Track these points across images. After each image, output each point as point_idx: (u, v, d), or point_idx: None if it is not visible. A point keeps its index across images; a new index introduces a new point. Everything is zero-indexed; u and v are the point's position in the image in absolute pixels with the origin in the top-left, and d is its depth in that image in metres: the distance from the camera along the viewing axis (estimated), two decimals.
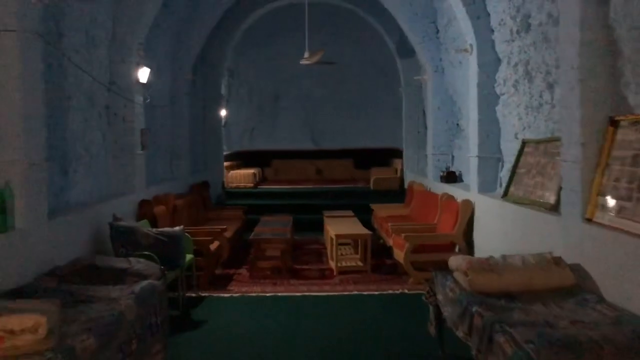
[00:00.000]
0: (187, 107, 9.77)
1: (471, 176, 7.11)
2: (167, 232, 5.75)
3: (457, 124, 9.23)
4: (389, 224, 7.61)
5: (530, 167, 5.48)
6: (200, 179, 10.19)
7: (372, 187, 12.37)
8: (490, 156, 6.79)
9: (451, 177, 8.70)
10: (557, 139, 4.83)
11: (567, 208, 4.32)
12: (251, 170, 13.37)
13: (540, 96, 5.46)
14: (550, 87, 5.22)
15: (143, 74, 7.11)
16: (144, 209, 6.77)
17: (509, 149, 6.48)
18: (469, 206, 6.88)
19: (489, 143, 6.80)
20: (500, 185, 6.75)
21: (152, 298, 3.99)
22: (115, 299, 3.68)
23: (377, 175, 12.80)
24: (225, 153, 14.59)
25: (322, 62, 9.68)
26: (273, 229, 8.01)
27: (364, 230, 7.69)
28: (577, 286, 4.01)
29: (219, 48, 11.67)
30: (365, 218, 9.74)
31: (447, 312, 4.10)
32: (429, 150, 9.72)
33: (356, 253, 8.18)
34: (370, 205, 10.19)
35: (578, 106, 4.10)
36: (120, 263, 4.51)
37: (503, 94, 6.59)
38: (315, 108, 16.18)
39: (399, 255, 7.06)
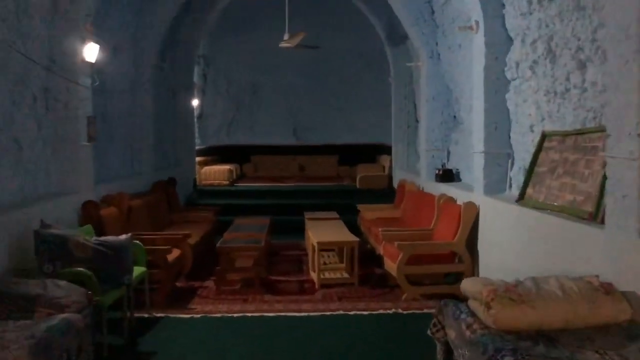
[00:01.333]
0: (152, 94, 8.64)
1: (475, 175, 6.13)
2: (110, 242, 4.67)
3: (454, 116, 8.24)
4: (379, 229, 6.60)
5: (554, 165, 4.50)
6: (167, 176, 9.08)
7: (358, 185, 11.36)
8: (498, 152, 5.81)
9: (448, 176, 7.71)
10: (597, 130, 3.85)
11: (615, 218, 3.33)
12: (227, 167, 12.29)
13: (567, 79, 4.47)
14: (582, 66, 4.24)
15: (91, 52, 6.00)
16: (89, 212, 5.67)
17: (522, 144, 5.51)
18: (472, 210, 5.89)
19: (497, 137, 5.82)
20: (510, 187, 5.78)
21: (65, 341, 2.93)
22: (4, 348, 2.61)
23: (363, 173, 11.80)
24: (199, 147, 13.56)
25: (304, 45, 8.63)
26: (246, 234, 6.96)
27: (351, 237, 6.67)
28: (634, 322, 3.03)
29: (191, 30, 10.54)
30: (351, 219, 8.78)
31: (464, 356, 3.09)
32: (422, 145, 8.72)
33: (341, 261, 7.16)
34: (357, 205, 9.18)
35: (635, 86, 3.11)
36: (33, 288, 3.44)
37: (515, 79, 5.61)
38: (297, 100, 15.21)
39: (391, 266, 6.06)
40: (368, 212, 8.58)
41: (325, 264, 7.16)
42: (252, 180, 13.36)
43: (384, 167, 12.71)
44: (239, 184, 12.38)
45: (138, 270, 5.17)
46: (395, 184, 11.06)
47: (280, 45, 8.47)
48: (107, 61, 7.05)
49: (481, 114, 5.86)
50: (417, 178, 8.92)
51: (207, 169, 12.10)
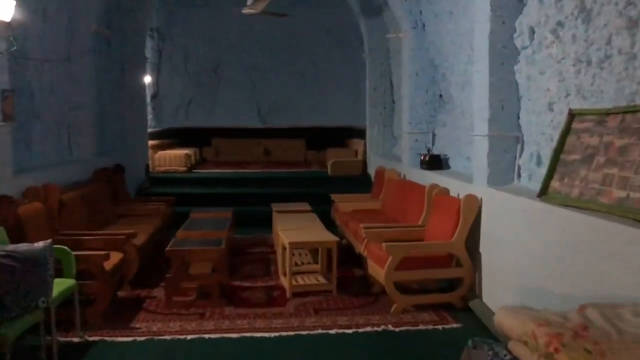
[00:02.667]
0: (93, 68, 7.39)
1: (476, 163, 5.20)
2: (20, 253, 3.55)
3: (440, 95, 7.31)
4: (361, 226, 5.63)
5: (591, 152, 3.58)
6: (112, 163, 7.89)
7: (330, 172, 10.35)
8: (505, 135, 4.88)
9: (435, 163, 6.78)
10: None
11: None
12: (184, 151, 11.10)
13: (608, 42, 3.55)
14: (633, 25, 3.31)
15: (4, 9, 4.78)
16: (1, 211, 4.50)
17: (537, 125, 4.59)
18: (474, 204, 4.97)
19: (503, 117, 4.88)
20: (519, 176, 4.87)
21: None
22: None
23: (334, 158, 10.80)
24: (153, 130, 12.36)
25: (269, 12, 7.51)
26: (203, 232, 5.88)
27: (329, 236, 5.65)
28: None
29: None
30: (324, 211, 7.83)
31: None
32: (404, 127, 7.76)
33: (315, 261, 6.19)
34: (330, 195, 8.20)
35: None
36: None
37: (526, 47, 4.68)
38: (262, 80, 14.20)
39: (377, 271, 5.10)
40: (344, 204, 7.61)
41: (297, 264, 6.17)
42: (213, 165, 12.28)
43: (356, 152, 11.76)
44: (198, 170, 11.24)
45: (63, 284, 4.09)
46: (370, 171, 10.13)
47: (243, 11, 7.33)
48: (33, 24, 5.83)
49: (485, 90, 4.91)
50: (397, 165, 7.97)
51: (161, 153, 10.89)
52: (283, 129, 13.78)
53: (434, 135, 7.39)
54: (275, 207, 7.47)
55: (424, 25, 7.40)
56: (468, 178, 5.55)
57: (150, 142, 11.05)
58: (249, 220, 8.57)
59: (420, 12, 7.38)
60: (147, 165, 10.13)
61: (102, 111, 8.15)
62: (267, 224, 7.78)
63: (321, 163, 12.13)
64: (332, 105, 13.76)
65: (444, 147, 7.08)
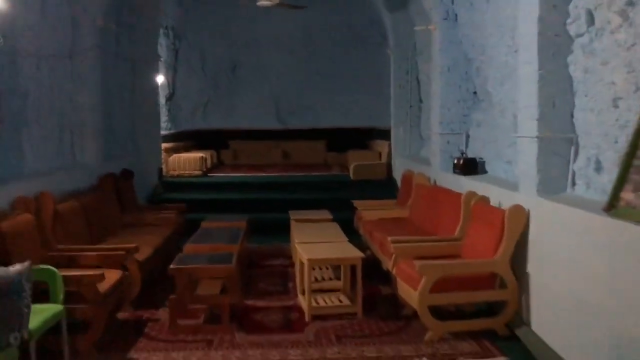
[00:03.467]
0: (99, 66, 6.87)
1: (522, 168, 4.53)
2: None
3: (474, 92, 6.65)
4: (389, 239, 5.00)
5: None
6: (120, 167, 7.37)
7: (352, 176, 9.71)
8: (557, 136, 4.22)
9: (470, 167, 6.12)
10: None
11: None
12: (199, 154, 10.57)
13: None
14: None
15: None
16: None
17: (596, 125, 3.92)
18: (521, 217, 4.31)
19: (555, 115, 4.21)
20: (574, 184, 4.20)
21: None
22: None
23: (357, 161, 10.17)
24: (169, 132, 11.90)
25: (287, 4, 6.92)
26: (213, 245, 5.30)
27: (352, 251, 5.02)
28: None
29: None
30: (346, 218, 7.25)
31: None
32: (434, 128, 7.11)
33: (337, 277, 5.58)
34: (352, 201, 7.58)
35: None
36: None
37: (581, 35, 4.01)
38: (280, 80, 13.59)
39: (409, 294, 4.47)
40: (368, 211, 6.99)
41: (316, 279, 5.59)
42: (230, 169, 11.79)
43: (379, 154, 11.13)
44: (214, 174, 10.71)
45: (48, 310, 3.56)
46: (395, 174, 9.50)
47: (258, 3, 6.75)
48: (28, 17, 5.34)
49: (533, 85, 4.25)
50: (426, 168, 7.32)
51: (175, 157, 10.38)
52: (302, 130, 13.23)
53: (467, 136, 6.72)
54: (293, 215, 6.89)
55: (456, 16, 6.74)
56: (511, 185, 4.89)
57: (165, 145, 10.59)
58: (266, 227, 8.04)
59: (452, 1, 6.73)
60: (160, 169, 9.64)
61: (110, 112, 7.65)
62: (285, 231, 7.21)
63: (342, 165, 11.59)
64: (354, 105, 13.14)
65: (479, 149, 6.41)
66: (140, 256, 5.01)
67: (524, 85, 4.47)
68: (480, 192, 5.17)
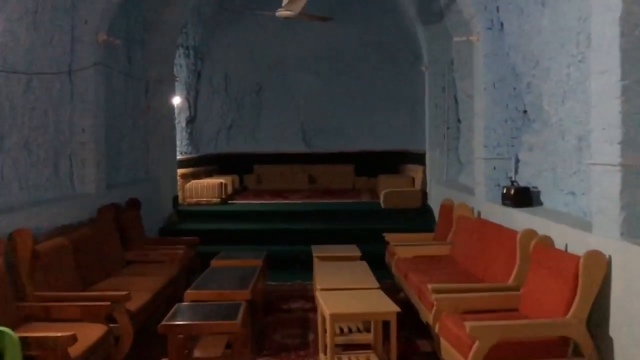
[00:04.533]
0: (101, 84, 6.20)
1: (596, 204, 3.62)
2: None
3: (524, 111, 5.76)
4: (429, 287, 4.13)
5: None
6: (126, 197, 6.68)
7: (382, 204, 8.84)
8: None
9: (523, 198, 5.21)
10: None
11: None
12: (218, 180, 9.85)
13: None
14: None
15: None
16: None
17: None
18: (599, 265, 3.39)
19: None
20: None
21: None
22: None
23: (388, 188, 9.29)
24: (190, 156, 11.31)
25: (310, 15, 6.19)
26: (219, 292, 4.49)
27: (386, 304, 4.12)
28: None
29: (169, 4, 8.16)
30: (376, 252, 6.49)
31: None
32: (478, 152, 6.23)
33: (366, 329, 4.70)
34: (384, 234, 6.72)
35: None
36: None
37: None
38: (307, 101, 12.97)
39: (456, 358, 3.57)
40: (401, 247, 6.11)
41: (342, 331, 4.73)
42: (253, 195, 11.14)
43: (413, 180, 10.28)
44: (234, 202, 9.99)
45: None
46: (431, 202, 8.61)
47: (277, 13, 6.03)
48: (19, 29, 4.72)
49: (612, 100, 3.37)
50: (468, 198, 6.42)
51: (193, 183, 9.69)
52: (329, 153, 12.58)
53: (517, 161, 5.82)
54: (316, 251, 6.07)
55: (502, 25, 5.91)
56: (580, 223, 3.98)
57: (184, 170, 9.96)
58: (287, 262, 7.31)
59: (497, 8, 5.90)
60: (176, 197, 8.95)
61: (117, 136, 7.00)
62: (308, 267, 6.37)
63: (372, 191, 10.83)
64: (384, 127, 12.44)
65: (531, 177, 5.49)
66: (133, 305, 4.23)
67: (598, 101, 3.58)
68: (539, 230, 4.26)
